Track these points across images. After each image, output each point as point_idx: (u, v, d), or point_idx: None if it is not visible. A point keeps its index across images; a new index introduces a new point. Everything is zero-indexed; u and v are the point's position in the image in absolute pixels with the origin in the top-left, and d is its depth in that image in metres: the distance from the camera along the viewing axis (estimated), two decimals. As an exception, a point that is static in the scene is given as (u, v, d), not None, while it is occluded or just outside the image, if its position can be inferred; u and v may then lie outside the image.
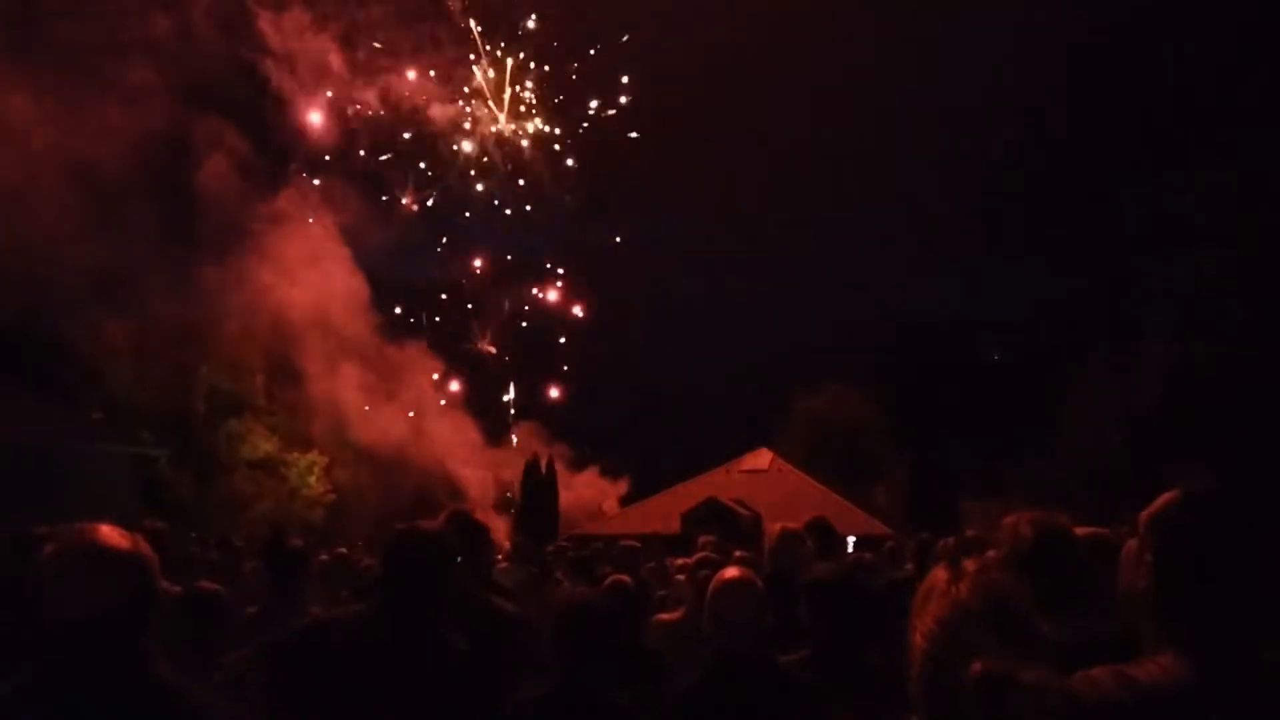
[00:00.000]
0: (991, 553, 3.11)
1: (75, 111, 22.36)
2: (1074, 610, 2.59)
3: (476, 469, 30.70)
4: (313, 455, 28.62)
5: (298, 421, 28.62)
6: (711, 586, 3.29)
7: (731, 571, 3.35)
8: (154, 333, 25.35)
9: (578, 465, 32.58)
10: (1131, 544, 2.06)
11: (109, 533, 2.15)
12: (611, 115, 36.46)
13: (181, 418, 26.35)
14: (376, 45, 31.44)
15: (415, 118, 33.58)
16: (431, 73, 33.66)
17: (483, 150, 35.85)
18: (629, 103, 35.98)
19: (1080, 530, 3.04)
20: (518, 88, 35.91)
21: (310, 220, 29.43)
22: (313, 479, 28.59)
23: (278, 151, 29.16)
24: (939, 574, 1.63)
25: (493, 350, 34.73)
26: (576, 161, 36.50)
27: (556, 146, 36.80)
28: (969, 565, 1.62)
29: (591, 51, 35.95)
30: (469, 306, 35.60)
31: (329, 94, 30.72)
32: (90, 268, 22.30)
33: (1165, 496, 2.01)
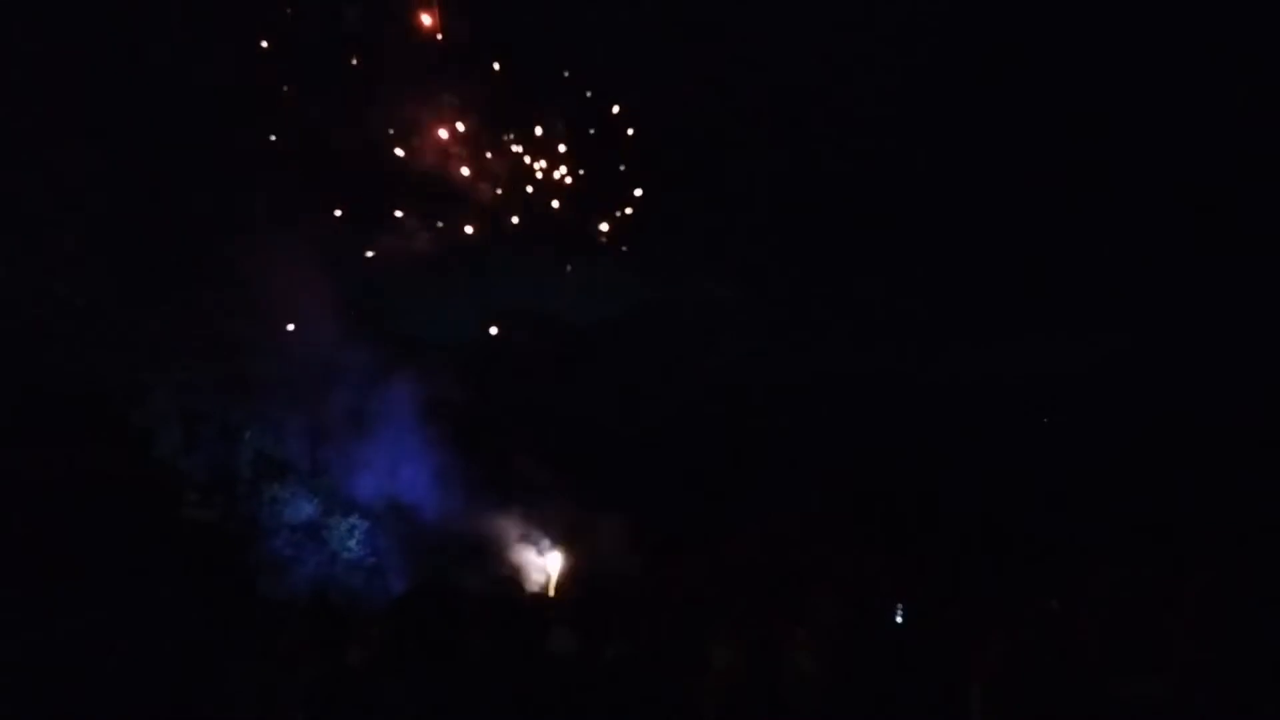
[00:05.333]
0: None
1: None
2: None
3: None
4: (354, 518, 28.55)
5: (340, 484, 28.58)
6: None
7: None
8: (199, 397, 25.54)
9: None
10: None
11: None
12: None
13: (226, 482, 26.49)
14: None
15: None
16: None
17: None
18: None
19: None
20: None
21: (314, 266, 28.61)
22: (353, 543, 28.49)
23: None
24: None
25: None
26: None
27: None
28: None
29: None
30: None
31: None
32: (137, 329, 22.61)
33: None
